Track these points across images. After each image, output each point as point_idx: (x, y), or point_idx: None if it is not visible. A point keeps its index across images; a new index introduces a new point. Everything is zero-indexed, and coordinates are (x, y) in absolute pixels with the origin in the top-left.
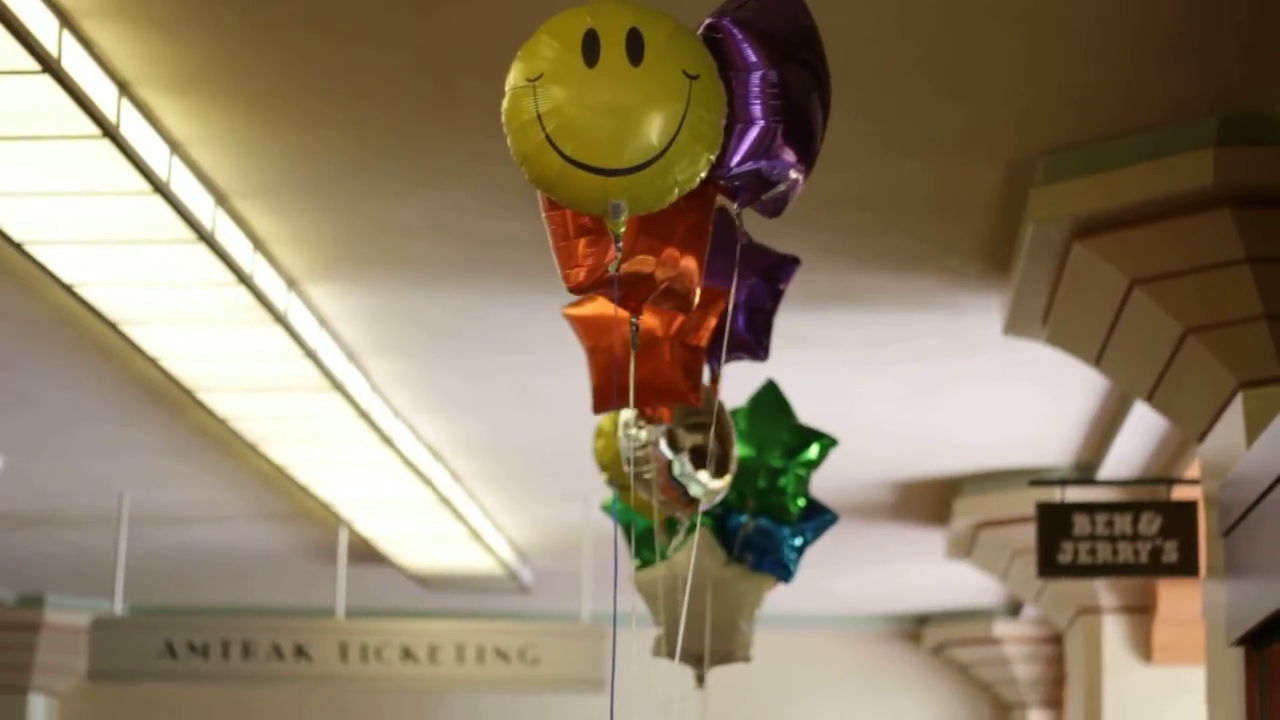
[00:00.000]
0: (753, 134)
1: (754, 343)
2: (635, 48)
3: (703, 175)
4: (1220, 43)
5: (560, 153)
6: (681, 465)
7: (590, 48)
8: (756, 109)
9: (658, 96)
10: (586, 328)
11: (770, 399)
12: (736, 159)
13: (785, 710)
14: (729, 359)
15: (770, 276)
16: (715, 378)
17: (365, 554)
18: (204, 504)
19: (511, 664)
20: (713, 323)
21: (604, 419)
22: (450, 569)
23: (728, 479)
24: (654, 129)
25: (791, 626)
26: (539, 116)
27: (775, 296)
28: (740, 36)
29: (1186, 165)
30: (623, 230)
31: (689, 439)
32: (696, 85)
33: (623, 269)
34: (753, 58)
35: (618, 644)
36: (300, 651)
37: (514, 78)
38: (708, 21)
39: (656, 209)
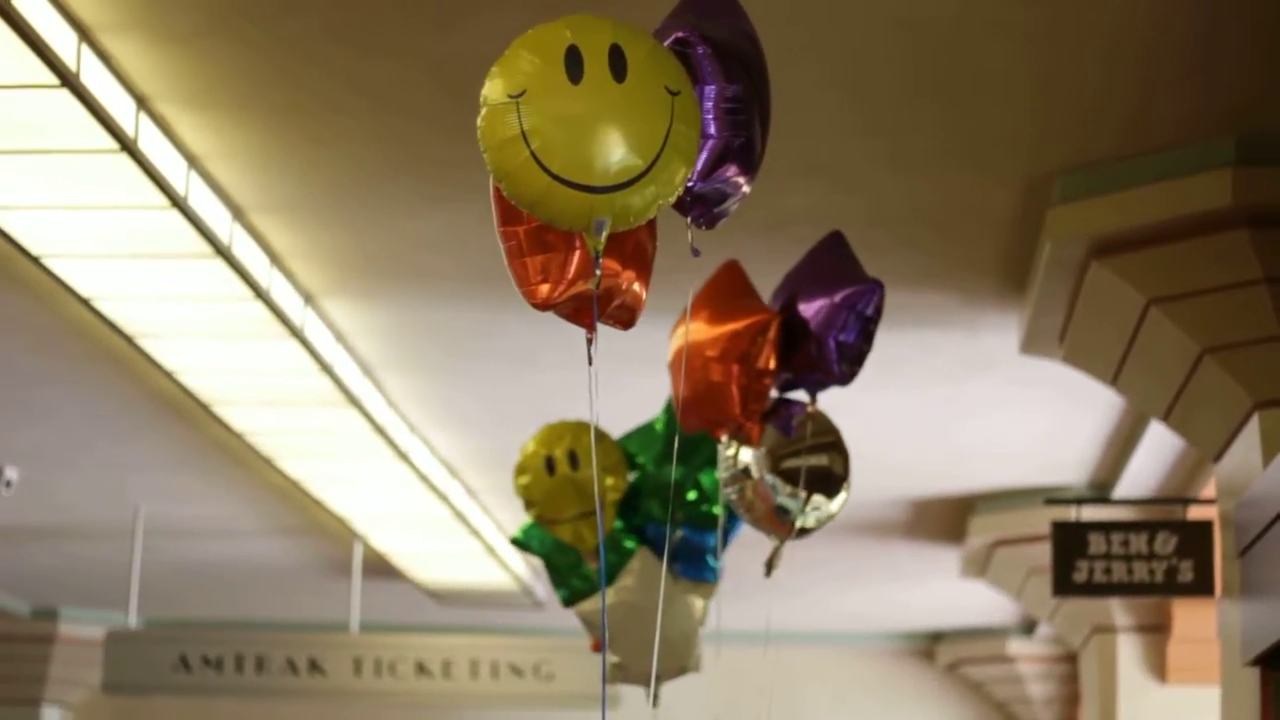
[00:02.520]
0: (714, 149)
1: (836, 370)
2: (618, 64)
3: (679, 191)
4: (1235, 61)
5: (546, 170)
6: (779, 487)
7: (573, 64)
8: (718, 124)
9: (643, 113)
10: (678, 357)
11: None
12: (696, 175)
13: None
14: (823, 386)
15: (852, 302)
16: (812, 401)
17: (380, 569)
18: (219, 518)
19: (525, 679)
20: (772, 344)
21: (526, 456)
22: (464, 584)
23: (837, 500)
24: (640, 146)
25: (806, 644)
26: (523, 133)
27: (861, 321)
28: (704, 51)
29: (1204, 185)
30: (602, 247)
31: (790, 461)
32: (678, 101)
33: (585, 287)
34: (714, 74)
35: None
36: (314, 666)
37: (492, 93)
38: (677, 35)
39: (637, 225)
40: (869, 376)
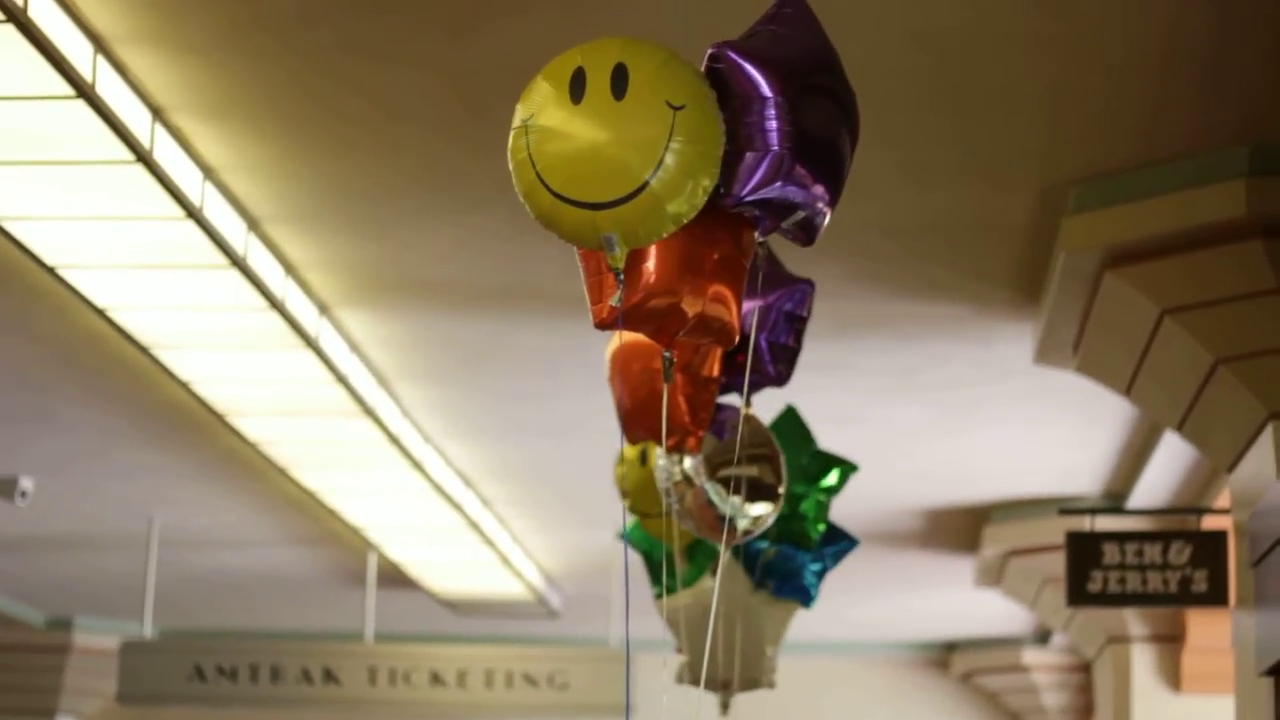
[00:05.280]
0: (759, 162)
1: (772, 371)
2: (620, 82)
3: (699, 205)
4: (1248, 72)
5: (549, 189)
6: (718, 494)
7: (577, 85)
8: (763, 137)
9: (637, 129)
10: (615, 357)
11: (790, 424)
12: (746, 188)
13: None
14: (752, 388)
15: (785, 303)
16: (746, 405)
17: (394, 578)
18: (234, 528)
19: (540, 689)
20: (718, 352)
21: (625, 447)
22: (479, 594)
23: (771, 506)
24: (635, 161)
25: (820, 653)
26: (530, 156)
27: (793, 321)
28: (743, 65)
29: (1218, 196)
30: (621, 263)
31: (728, 468)
32: (680, 115)
33: (651, 303)
34: (758, 86)
35: (636, 670)
36: (329, 675)
37: (515, 118)
38: (709, 51)
39: (653, 241)
40: (883, 385)
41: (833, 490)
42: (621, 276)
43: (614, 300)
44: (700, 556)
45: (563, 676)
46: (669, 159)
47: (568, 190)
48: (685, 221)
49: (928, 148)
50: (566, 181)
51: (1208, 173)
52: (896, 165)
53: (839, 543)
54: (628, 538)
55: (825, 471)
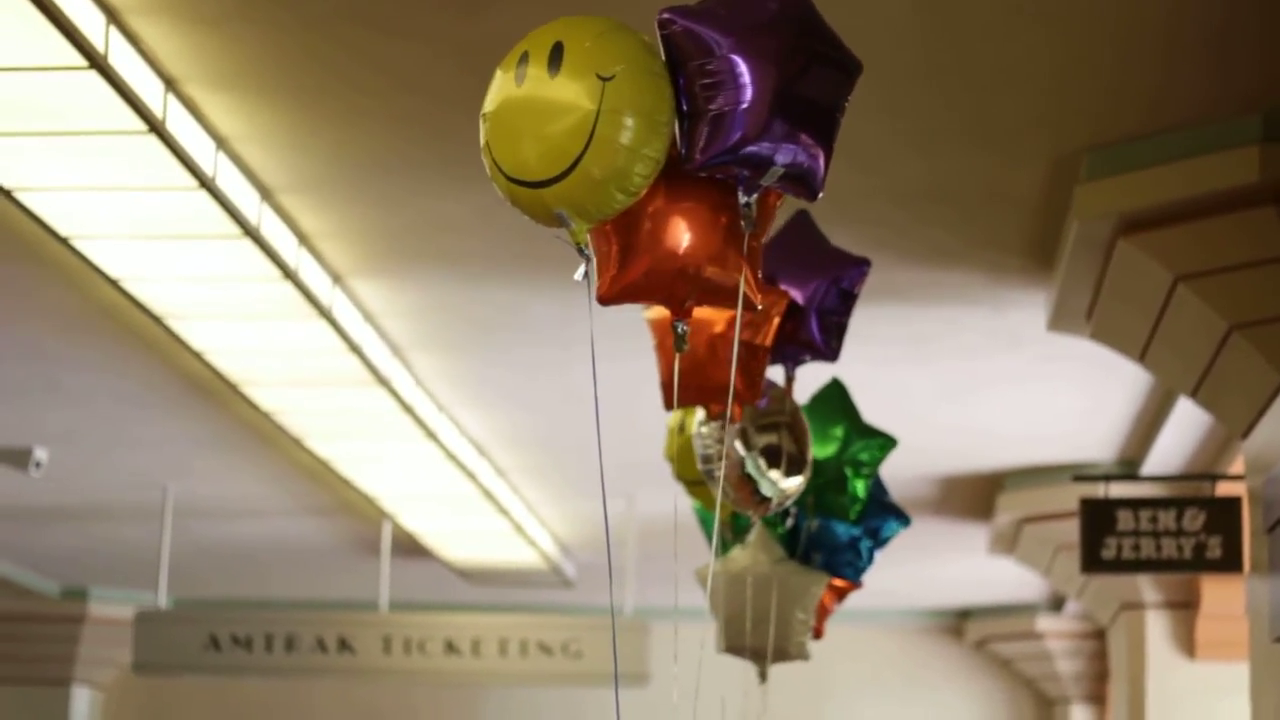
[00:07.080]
0: (719, 123)
1: (823, 344)
2: (555, 59)
3: (648, 174)
4: (1259, 36)
5: (502, 173)
6: (754, 464)
7: (521, 68)
8: (720, 97)
9: (565, 103)
10: (656, 326)
11: (833, 397)
12: (709, 150)
13: (827, 704)
14: (800, 361)
15: (840, 279)
16: (789, 378)
17: (409, 548)
18: (248, 497)
19: (554, 658)
20: (775, 323)
21: (672, 415)
22: (493, 563)
23: (801, 479)
24: (565, 136)
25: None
26: (487, 143)
27: (846, 298)
28: (692, 27)
29: (1231, 162)
30: (583, 238)
31: (762, 438)
32: (610, 86)
33: (651, 273)
34: (710, 47)
35: (655, 639)
36: (344, 644)
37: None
38: (657, 18)
39: (605, 214)
40: (896, 353)
41: (874, 463)
42: (586, 251)
43: (577, 275)
44: (740, 525)
45: (576, 645)
46: (602, 130)
47: (516, 172)
48: (637, 192)
49: (936, 116)
50: (514, 164)
51: (1221, 139)
52: (904, 133)
53: (888, 519)
54: (698, 512)
55: (867, 445)
